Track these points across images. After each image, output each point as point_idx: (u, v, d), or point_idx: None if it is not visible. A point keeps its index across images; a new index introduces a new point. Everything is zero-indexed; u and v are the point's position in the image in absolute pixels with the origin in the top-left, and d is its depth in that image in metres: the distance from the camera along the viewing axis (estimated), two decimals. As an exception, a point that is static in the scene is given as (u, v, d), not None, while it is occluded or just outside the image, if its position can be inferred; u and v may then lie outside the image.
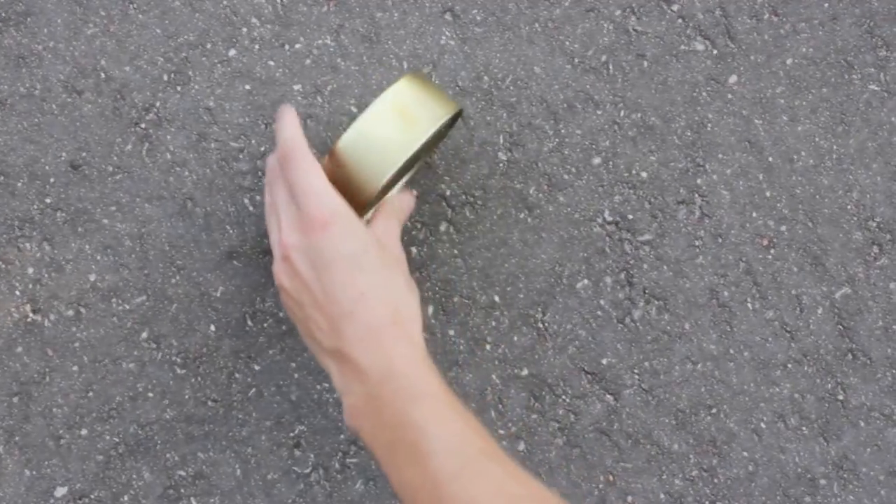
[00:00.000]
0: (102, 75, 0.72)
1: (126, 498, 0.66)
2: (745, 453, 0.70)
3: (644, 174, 0.73)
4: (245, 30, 0.73)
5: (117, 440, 0.67)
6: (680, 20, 0.74)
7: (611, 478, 0.69)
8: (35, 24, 0.72)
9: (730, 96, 0.73)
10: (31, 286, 0.68)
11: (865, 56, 0.74)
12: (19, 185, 0.70)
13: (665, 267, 0.72)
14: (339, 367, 0.47)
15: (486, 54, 0.73)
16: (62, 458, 0.66)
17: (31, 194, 0.70)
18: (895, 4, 0.74)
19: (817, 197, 0.73)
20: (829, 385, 0.71)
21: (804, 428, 0.70)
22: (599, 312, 0.71)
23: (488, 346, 0.70)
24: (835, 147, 0.73)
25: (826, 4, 0.74)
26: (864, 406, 0.70)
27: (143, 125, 0.72)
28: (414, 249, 0.71)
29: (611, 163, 0.73)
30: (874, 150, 0.73)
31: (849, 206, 0.73)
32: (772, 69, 0.73)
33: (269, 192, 0.53)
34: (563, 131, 0.73)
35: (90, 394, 0.67)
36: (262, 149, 0.72)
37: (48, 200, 0.70)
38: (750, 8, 0.74)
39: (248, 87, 0.72)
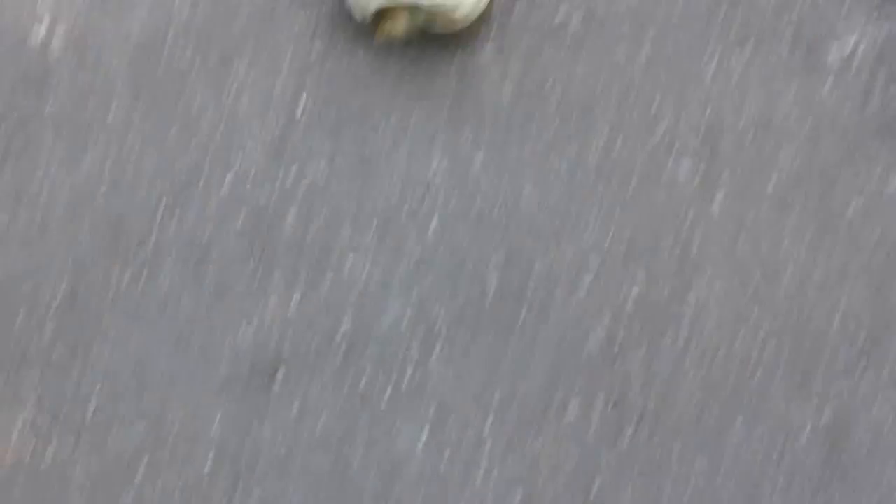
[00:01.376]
0: (101, 206, 0.74)
1: None
2: (738, 572, 0.71)
3: (634, 294, 0.74)
4: (241, 156, 0.75)
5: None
6: (666, 140, 0.75)
7: None
8: (35, 156, 0.74)
9: (716, 215, 0.75)
10: (32, 416, 0.70)
11: (847, 171, 0.75)
12: (20, 315, 0.71)
13: (656, 386, 0.73)
14: None
15: (478, 176, 0.75)
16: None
17: (32, 324, 0.71)
18: (875, 120, 0.76)
19: (804, 315, 0.74)
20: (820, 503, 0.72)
21: (795, 546, 0.71)
22: (591, 432, 0.72)
23: (482, 470, 0.71)
24: (820, 264, 0.74)
25: (808, 122, 0.76)
26: (853, 523, 0.72)
27: (141, 255, 0.73)
28: (409, 370, 0.72)
29: (601, 283, 0.74)
30: (859, 266, 0.74)
31: (835, 324, 0.74)
32: (756, 188, 0.75)
33: None
34: (553, 252, 0.74)
35: (91, 526, 0.69)
36: (258, 275, 0.73)
37: (48, 330, 0.71)
38: (733, 126, 0.76)
39: (244, 213, 0.74)
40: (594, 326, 0.73)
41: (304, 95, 0.75)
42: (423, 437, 0.71)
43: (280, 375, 0.71)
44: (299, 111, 0.75)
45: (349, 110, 0.75)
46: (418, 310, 0.73)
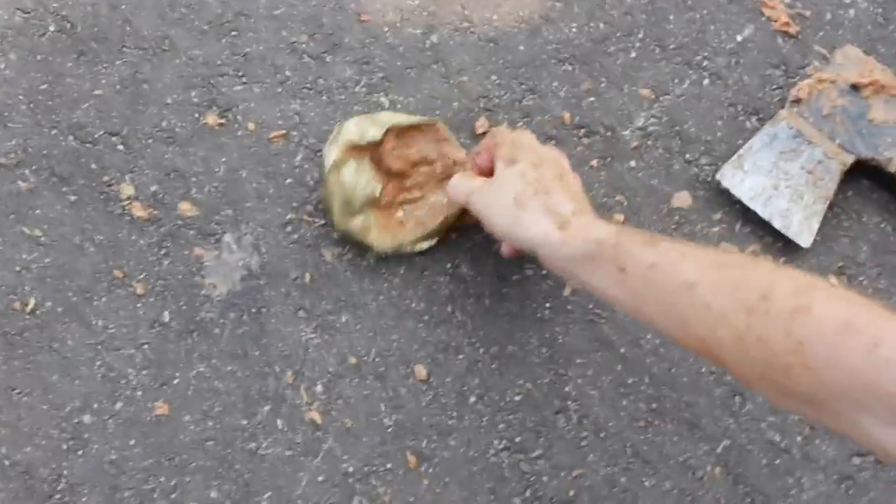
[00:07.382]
0: (6, 462, 0.77)
1: None
2: None
3: (518, 398, 0.79)
4: (124, 381, 0.79)
5: None
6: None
7: None
8: (-68, 436, 0.77)
9: (569, 306, 0.80)
10: None
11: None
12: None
13: (562, 474, 0.78)
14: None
15: (347, 337, 0.80)
16: None
17: None
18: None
19: (673, 370, 0.80)
20: (735, 538, 0.77)
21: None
22: (515, 536, 0.77)
23: None
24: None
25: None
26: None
27: (57, 496, 0.77)
28: (335, 527, 0.77)
29: (486, 397, 0.79)
30: (710, 312, 0.80)
31: (703, 369, 0.80)
32: (600, 270, 0.81)
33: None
34: (434, 383, 0.79)
35: None
36: (172, 482, 0.77)
37: None
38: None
39: (143, 431, 0.78)
40: (491, 438, 0.78)
41: (167, 311, 0.80)
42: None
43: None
44: (166, 320, 0.80)
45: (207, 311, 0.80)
46: (325, 472, 0.77)
